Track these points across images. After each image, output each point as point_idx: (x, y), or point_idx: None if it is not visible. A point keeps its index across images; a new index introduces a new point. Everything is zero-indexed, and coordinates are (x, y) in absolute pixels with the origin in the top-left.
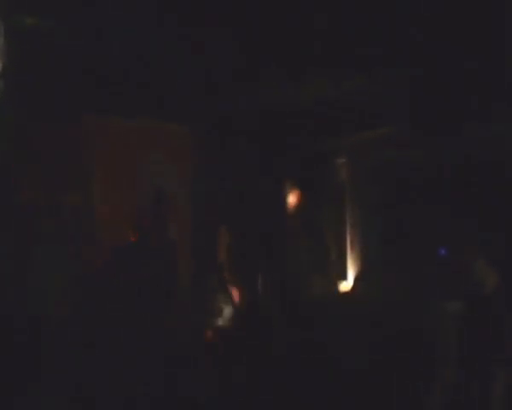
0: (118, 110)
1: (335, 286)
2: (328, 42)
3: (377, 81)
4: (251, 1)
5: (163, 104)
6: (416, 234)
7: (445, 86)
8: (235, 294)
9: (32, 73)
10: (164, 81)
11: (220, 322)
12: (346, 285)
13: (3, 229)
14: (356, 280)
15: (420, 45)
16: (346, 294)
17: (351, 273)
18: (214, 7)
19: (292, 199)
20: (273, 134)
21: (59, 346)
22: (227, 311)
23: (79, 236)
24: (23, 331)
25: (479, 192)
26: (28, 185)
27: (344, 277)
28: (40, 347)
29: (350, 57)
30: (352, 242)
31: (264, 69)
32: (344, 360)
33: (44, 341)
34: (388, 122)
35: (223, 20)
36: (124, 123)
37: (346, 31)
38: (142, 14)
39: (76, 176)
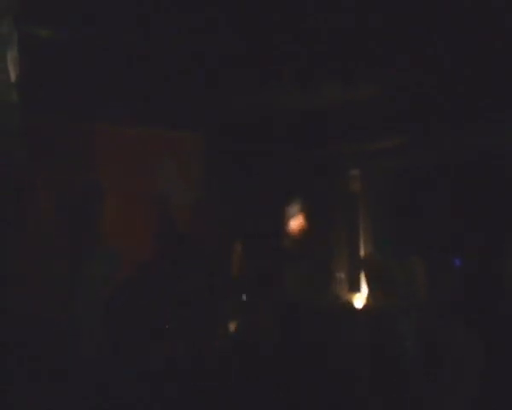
0: (130, 118)
1: (349, 298)
2: (340, 50)
3: (389, 89)
4: (263, 5)
5: (175, 111)
6: (432, 244)
7: (456, 91)
8: (251, 307)
9: (44, 82)
10: (176, 88)
11: (234, 333)
12: (359, 297)
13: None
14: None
15: (432, 51)
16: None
17: (364, 285)
18: (225, 11)
19: (303, 210)
20: (286, 142)
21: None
22: (241, 322)
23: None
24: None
25: (495, 198)
26: (41, 195)
27: (358, 289)
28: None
29: (364, 65)
30: (365, 253)
31: (277, 76)
32: (357, 372)
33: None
34: (402, 131)
35: (234, 25)
36: (135, 130)
37: (357, 39)
38: (154, 22)
39: (88, 185)
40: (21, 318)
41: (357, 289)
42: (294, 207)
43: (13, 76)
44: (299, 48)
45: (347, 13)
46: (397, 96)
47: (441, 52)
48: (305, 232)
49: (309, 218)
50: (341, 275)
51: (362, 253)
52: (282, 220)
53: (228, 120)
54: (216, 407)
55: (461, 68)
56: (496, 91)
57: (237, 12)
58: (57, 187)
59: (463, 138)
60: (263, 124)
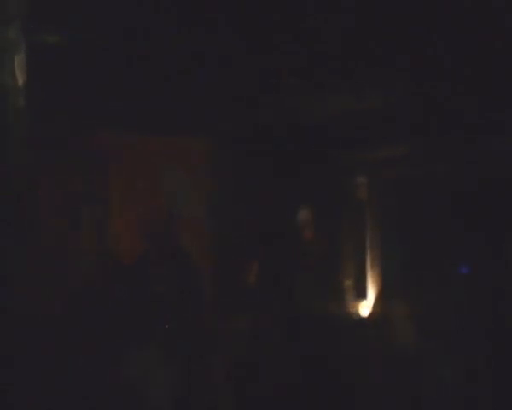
0: (133, 124)
1: (354, 306)
2: (349, 57)
3: (396, 97)
4: (263, 5)
5: (180, 117)
6: (439, 252)
7: (462, 100)
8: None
9: (49, 88)
10: (181, 93)
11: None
12: (365, 304)
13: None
14: (377, 300)
15: (437, 60)
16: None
17: (371, 292)
18: (225, 11)
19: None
20: (292, 149)
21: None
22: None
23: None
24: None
25: (501, 207)
26: (42, 199)
27: (364, 296)
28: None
29: (370, 71)
30: (372, 260)
31: (285, 83)
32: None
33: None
34: (408, 139)
35: (234, 25)
36: (139, 137)
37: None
38: (158, 27)
39: (90, 190)
40: (21, 318)
41: (363, 296)
42: (301, 216)
43: (20, 81)
44: (307, 57)
45: (347, 13)
46: (402, 104)
47: (441, 52)
48: (312, 240)
49: (316, 226)
50: (348, 282)
51: (368, 260)
52: (290, 229)
53: (232, 127)
54: None
55: (461, 68)
56: (496, 91)
57: (237, 12)
58: (57, 187)
59: (465, 142)
60: (270, 130)
